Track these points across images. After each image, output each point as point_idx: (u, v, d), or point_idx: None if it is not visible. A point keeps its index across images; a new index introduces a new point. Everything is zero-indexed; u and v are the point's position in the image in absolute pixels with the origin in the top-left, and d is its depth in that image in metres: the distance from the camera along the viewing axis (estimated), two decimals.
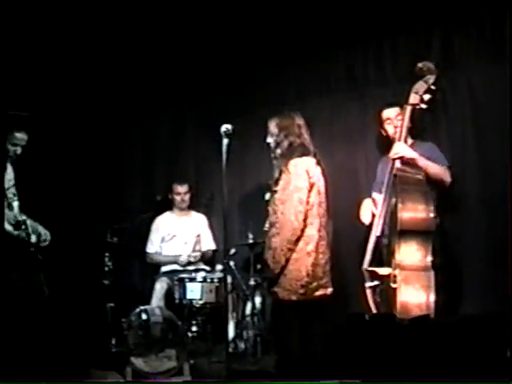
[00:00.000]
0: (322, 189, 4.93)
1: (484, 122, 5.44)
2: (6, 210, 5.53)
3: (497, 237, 5.26)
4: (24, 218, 5.56)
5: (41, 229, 5.67)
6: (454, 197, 5.35)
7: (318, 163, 4.92)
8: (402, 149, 4.97)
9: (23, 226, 5.51)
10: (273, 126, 5.03)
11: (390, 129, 5.27)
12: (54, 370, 2.60)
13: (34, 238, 5.58)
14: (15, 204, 5.65)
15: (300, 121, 5.01)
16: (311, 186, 4.78)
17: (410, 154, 4.97)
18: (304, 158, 4.84)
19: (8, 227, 5.41)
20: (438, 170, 5.01)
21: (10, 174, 5.66)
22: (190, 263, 6.71)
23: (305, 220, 4.73)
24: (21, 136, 5.54)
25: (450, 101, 5.63)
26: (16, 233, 5.48)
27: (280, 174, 4.85)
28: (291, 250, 4.72)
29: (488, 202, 5.37)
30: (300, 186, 4.74)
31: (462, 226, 5.49)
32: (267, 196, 5.09)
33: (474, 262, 5.39)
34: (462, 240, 5.46)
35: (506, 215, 5.15)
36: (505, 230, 5.15)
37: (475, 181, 5.46)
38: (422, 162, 4.96)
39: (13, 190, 5.64)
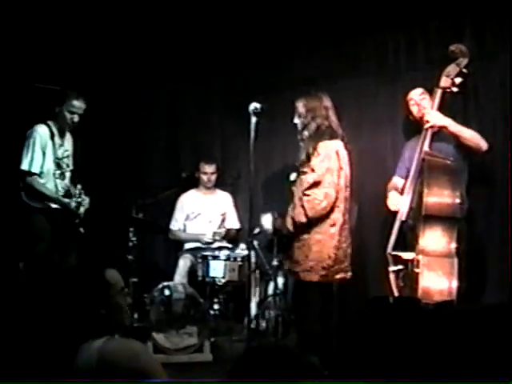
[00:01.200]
0: (349, 172, 4.92)
1: None
2: (58, 180, 5.61)
3: None
4: (80, 187, 5.64)
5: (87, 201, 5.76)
6: (483, 183, 5.33)
7: (346, 147, 4.91)
8: (433, 116, 4.92)
9: (77, 196, 5.60)
10: (300, 107, 5.01)
11: (414, 109, 5.23)
12: (73, 340, 2.60)
13: (82, 209, 5.67)
14: (67, 174, 5.72)
15: (328, 102, 5.00)
16: (340, 168, 4.78)
17: (441, 121, 4.92)
18: (333, 141, 4.83)
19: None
20: (472, 134, 4.95)
21: (66, 142, 5.73)
22: (212, 242, 6.71)
23: (334, 202, 4.73)
24: (79, 104, 5.61)
25: (480, 86, 5.56)
26: (66, 201, 5.55)
27: (308, 156, 4.84)
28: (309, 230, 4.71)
29: None
30: (331, 168, 4.73)
31: (490, 212, 5.44)
32: (292, 177, 5.08)
33: (500, 251, 5.34)
34: (489, 228, 5.42)
35: None
36: None
37: (505, 167, 5.41)
38: (455, 127, 4.92)
39: (67, 160, 5.72)
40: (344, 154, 4.87)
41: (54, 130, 5.63)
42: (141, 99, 7.24)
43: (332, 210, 4.77)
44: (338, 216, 4.78)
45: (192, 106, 7.37)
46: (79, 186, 5.73)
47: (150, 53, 7.05)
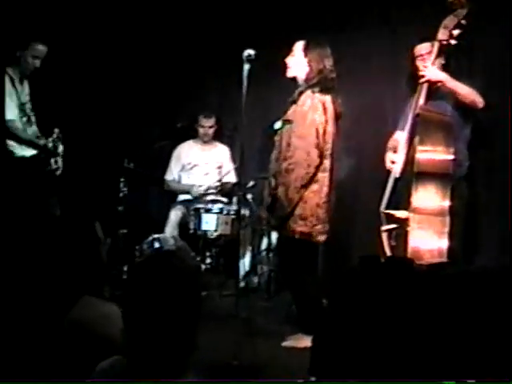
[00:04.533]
0: (333, 129, 4.72)
1: None
2: (26, 125, 5.46)
3: None
4: (57, 131, 5.48)
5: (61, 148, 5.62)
6: (485, 141, 5.16)
7: (334, 102, 4.70)
8: (429, 71, 4.76)
9: (53, 136, 5.46)
10: (297, 49, 4.82)
11: (421, 66, 5.04)
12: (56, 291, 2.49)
13: (61, 148, 5.51)
14: (33, 119, 5.57)
15: (326, 50, 4.78)
16: (326, 121, 4.60)
17: (436, 76, 4.76)
18: (321, 93, 4.64)
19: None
20: (468, 90, 4.78)
21: (26, 88, 5.55)
22: (203, 195, 6.56)
23: (320, 157, 4.56)
24: (42, 49, 5.41)
25: (487, 39, 5.36)
26: (42, 142, 5.41)
27: (294, 103, 4.66)
28: (304, 188, 4.57)
29: None
30: (317, 121, 4.56)
31: (490, 172, 5.30)
32: (277, 125, 4.89)
33: (496, 212, 5.21)
34: (488, 187, 5.29)
35: None
36: None
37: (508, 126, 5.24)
38: (451, 83, 4.76)
39: (29, 105, 5.55)
40: (330, 108, 4.66)
41: (14, 76, 5.44)
42: (138, 48, 7.04)
43: (320, 165, 4.60)
44: (323, 174, 4.63)
45: (190, 58, 7.16)
46: (57, 130, 5.55)
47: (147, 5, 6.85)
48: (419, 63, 5.05)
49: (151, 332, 1.93)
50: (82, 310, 2.38)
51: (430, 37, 4.94)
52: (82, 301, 2.43)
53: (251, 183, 5.92)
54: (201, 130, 6.81)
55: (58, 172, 5.58)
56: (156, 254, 2.05)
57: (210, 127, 6.80)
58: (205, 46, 7.05)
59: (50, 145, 5.49)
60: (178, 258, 2.05)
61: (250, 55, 4.58)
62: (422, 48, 5.04)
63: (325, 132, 4.60)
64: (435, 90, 4.86)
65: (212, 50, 7.03)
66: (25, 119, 5.47)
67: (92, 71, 6.68)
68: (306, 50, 4.78)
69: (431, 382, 1.94)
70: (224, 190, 6.72)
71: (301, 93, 4.69)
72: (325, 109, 4.60)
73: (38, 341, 2.35)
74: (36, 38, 5.39)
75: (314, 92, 4.64)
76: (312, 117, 4.57)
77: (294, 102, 4.70)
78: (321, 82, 4.67)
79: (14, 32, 5.47)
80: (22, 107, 5.44)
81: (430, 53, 4.88)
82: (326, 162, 4.64)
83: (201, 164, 6.83)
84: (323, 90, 4.65)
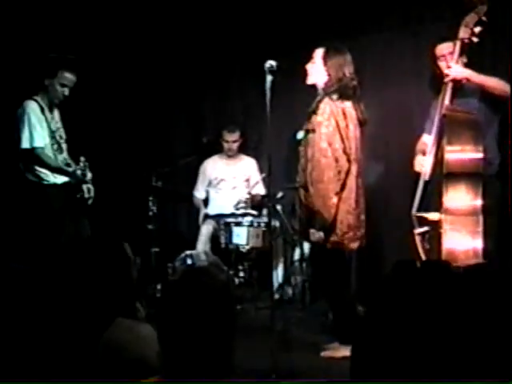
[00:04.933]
0: (358, 134, 4.67)
1: None
2: (56, 153, 5.49)
3: None
4: (83, 159, 5.51)
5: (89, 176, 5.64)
6: None
7: (356, 108, 4.65)
8: (453, 70, 4.71)
9: (81, 167, 5.48)
10: (317, 56, 4.78)
11: (443, 66, 4.99)
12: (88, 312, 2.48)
13: (89, 176, 5.54)
14: (64, 146, 5.60)
15: (346, 58, 4.73)
16: (347, 126, 4.54)
17: (462, 73, 4.72)
18: (341, 100, 4.58)
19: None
20: (496, 81, 4.73)
21: (56, 115, 5.59)
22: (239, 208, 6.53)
23: (348, 160, 4.51)
24: (70, 77, 5.45)
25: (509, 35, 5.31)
26: (71, 169, 5.44)
27: (316, 111, 4.61)
28: (338, 195, 4.52)
29: None
30: (340, 126, 4.51)
31: None
32: (300, 135, 4.85)
33: None
34: None
35: None
36: None
37: None
38: (478, 78, 4.72)
39: (60, 132, 5.59)
40: (352, 113, 4.60)
41: (43, 104, 5.47)
42: (162, 65, 7.07)
43: (348, 170, 4.55)
44: (351, 180, 4.57)
45: (213, 71, 7.17)
46: (83, 158, 5.57)
47: (171, 20, 6.87)
48: (441, 64, 5.00)
49: (187, 351, 1.91)
50: (116, 332, 2.36)
51: (451, 36, 4.91)
52: (116, 323, 2.41)
53: (280, 194, 5.89)
54: (225, 145, 6.79)
55: (90, 201, 5.59)
56: (188, 271, 2.02)
57: (234, 142, 6.78)
58: (226, 59, 7.06)
59: (79, 172, 5.51)
60: (210, 274, 2.02)
61: (272, 66, 4.56)
62: (444, 48, 4.98)
63: (348, 137, 4.55)
64: (460, 88, 4.82)
65: (234, 62, 7.04)
66: (55, 146, 5.50)
67: (117, 89, 6.73)
68: (326, 57, 4.71)
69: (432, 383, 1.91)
70: (254, 202, 6.69)
71: (319, 101, 4.63)
72: (345, 114, 4.55)
73: (73, 365, 2.34)
74: (64, 66, 5.43)
75: (332, 99, 4.59)
76: (334, 123, 4.52)
77: (314, 111, 4.65)
78: (340, 90, 4.61)
79: (42, 60, 5.53)
80: (52, 134, 5.47)
81: (452, 53, 4.84)
82: (353, 168, 4.59)
83: (228, 178, 6.81)
84: (343, 97, 4.60)
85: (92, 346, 2.31)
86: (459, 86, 4.81)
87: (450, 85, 4.75)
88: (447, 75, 4.75)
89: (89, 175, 5.57)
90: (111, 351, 2.29)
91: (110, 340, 2.33)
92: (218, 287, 2.01)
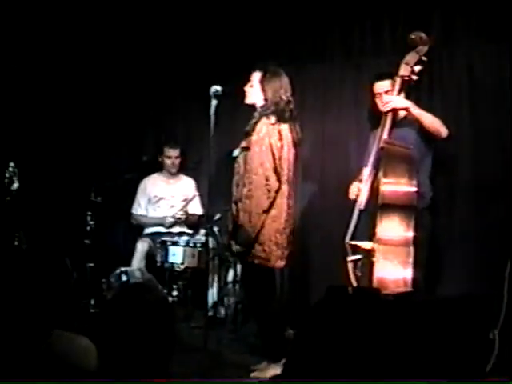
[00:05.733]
0: (292, 156, 4.77)
1: (479, 98, 5.35)
2: None
3: (485, 219, 5.20)
4: (12, 164, 5.40)
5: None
6: (446, 172, 5.29)
7: (291, 130, 4.76)
8: (394, 99, 4.82)
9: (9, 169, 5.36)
10: (254, 79, 4.86)
11: (380, 103, 5.07)
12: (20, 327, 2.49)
13: (15, 185, 5.44)
14: None
15: (283, 81, 4.81)
16: (281, 147, 4.64)
17: (401, 103, 4.83)
18: (278, 122, 4.67)
19: None
20: (432, 119, 4.84)
21: None
22: (175, 223, 6.60)
23: (279, 180, 4.61)
24: None
25: (446, 75, 5.52)
26: None
27: (252, 131, 4.69)
28: (266, 213, 4.62)
29: (481, 180, 5.29)
30: (273, 146, 4.60)
31: (452, 203, 5.41)
32: (236, 152, 4.93)
33: (461, 241, 5.31)
34: (451, 218, 5.40)
35: (496, 196, 5.10)
36: (495, 212, 5.11)
37: (469, 157, 5.36)
38: (416, 110, 4.83)
39: None
40: (288, 136, 4.71)
41: None
42: (106, 80, 7.09)
43: (278, 189, 4.65)
44: (282, 200, 4.67)
45: (155, 89, 7.22)
46: (12, 164, 5.42)
47: (115, 36, 6.90)
48: (377, 101, 5.09)
49: (127, 364, 1.96)
50: (57, 343, 2.39)
51: (391, 71, 5.04)
52: (55, 334, 2.44)
53: (218, 216, 5.95)
54: (167, 161, 6.81)
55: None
56: (124, 287, 2.07)
57: (177, 157, 6.82)
58: (169, 80, 7.11)
59: (6, 180, 5.39)
60: (146, 291, 2.08)
61: (217, 91, 4.66)
62: (383, 86, 5.06)
63: (280, 157, 4.65)
64: (400, 119, 4.94)
65: (177, 84, 7.09)
66: None
67: (56, 105, 6.71)
68: (263, 81, 4.80)
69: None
70: (190, 221, 6.74)
71: (256, 122, 4.71)
72: (280, 135, 4.65)
73: (14, 375, 2.36)
74: None
75: (269, 120, 4.67)
76: (268, 142, 4.60)
77: (249, 133, 4.73)
78: (277, 112, 4.69)
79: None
80: None
81: (390, 91, 4.94)
82: (284, 188, 4.69)
83: (167, 197, 6.83)
84: (280, 120, 4.69)
85: (32, 356, 2.34)
86: (398, 118, 4.93)
87: (390, 115, 4.85)
88: (386, 103, 4.83)
89: (15, 185, 5.44)
90: (54, 362, 2.32)
91: (52, 351, 2.36)
92: (154, 304, 2.06)
